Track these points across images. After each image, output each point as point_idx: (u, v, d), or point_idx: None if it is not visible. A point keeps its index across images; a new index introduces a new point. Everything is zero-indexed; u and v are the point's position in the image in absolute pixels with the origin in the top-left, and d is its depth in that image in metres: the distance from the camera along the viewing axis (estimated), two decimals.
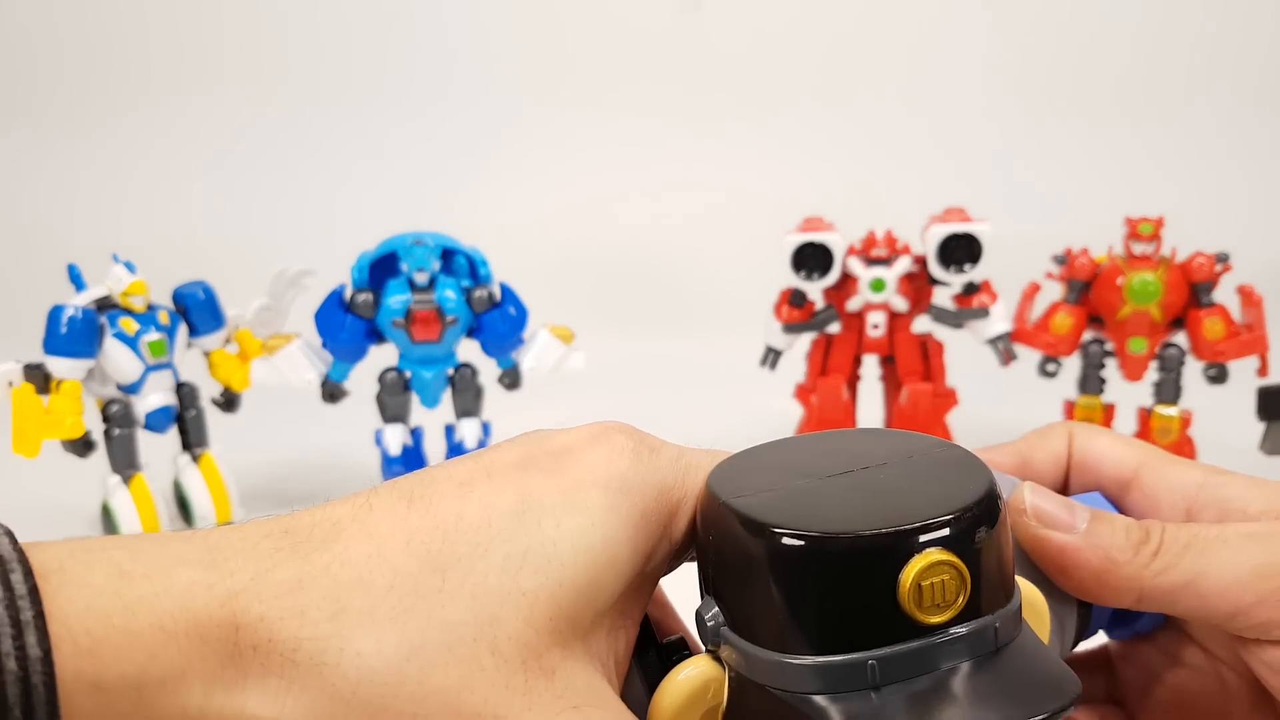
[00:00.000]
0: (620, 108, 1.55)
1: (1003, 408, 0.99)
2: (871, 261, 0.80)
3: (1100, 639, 0.33)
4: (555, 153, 1.55)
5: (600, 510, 0.23)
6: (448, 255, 0.77)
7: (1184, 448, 0.79)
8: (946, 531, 0.21)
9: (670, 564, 0.26)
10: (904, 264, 0.79)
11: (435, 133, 1.57)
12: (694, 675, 0.23)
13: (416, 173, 1.56)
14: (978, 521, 0.21)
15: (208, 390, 0.78)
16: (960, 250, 0.78)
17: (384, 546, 0.23)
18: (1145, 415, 0.80)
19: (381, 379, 0.78)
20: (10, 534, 0.21)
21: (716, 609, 0.23)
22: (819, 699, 0.21)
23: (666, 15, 1.54)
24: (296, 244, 1.37)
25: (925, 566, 0.21)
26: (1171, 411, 0.79)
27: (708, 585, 0.24)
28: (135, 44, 1.60)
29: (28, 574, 0.20)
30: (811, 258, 0.79)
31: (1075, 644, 0.29)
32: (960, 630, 0.21)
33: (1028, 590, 0.25)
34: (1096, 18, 1.51)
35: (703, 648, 0.25)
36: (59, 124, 1.61)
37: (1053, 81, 1.52)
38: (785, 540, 0.21)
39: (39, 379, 0.68)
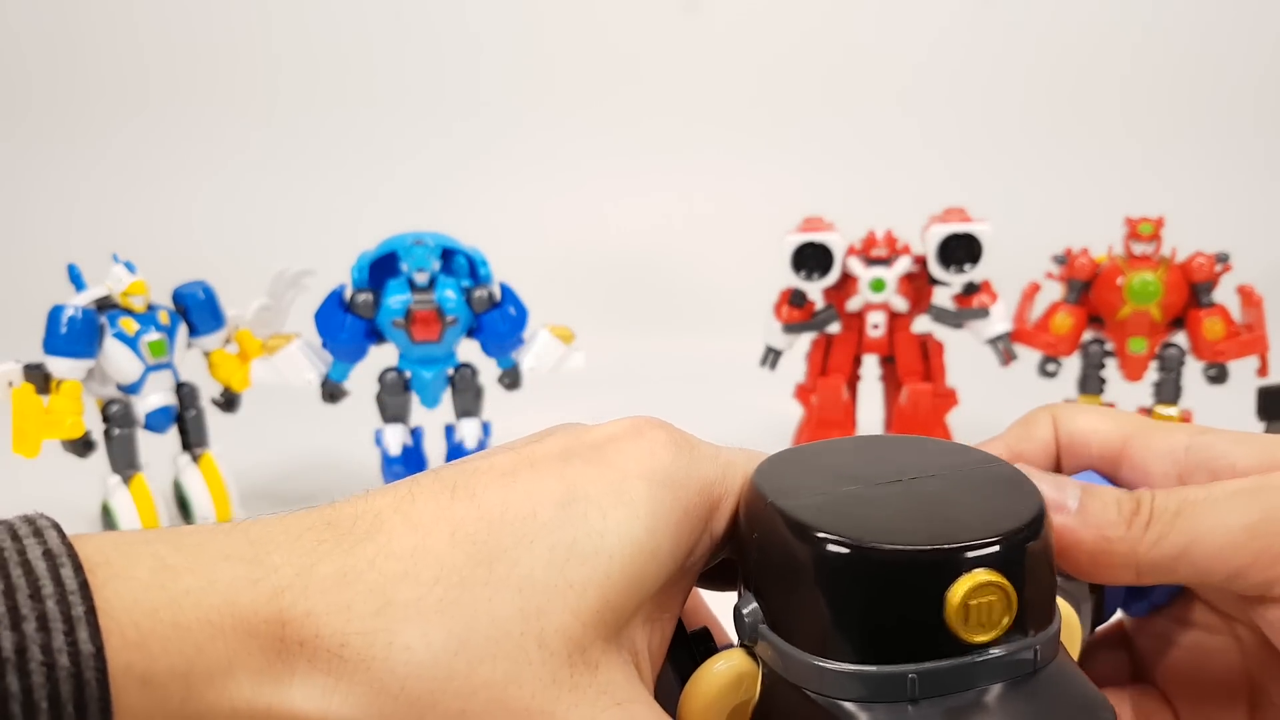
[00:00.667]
0: (620, 108, 1.55)
1: (1002, 408, 0.98)
2: (871, 261, 0.80)
3: (1116, 616, 0.33)
4: (555, 153, 1.55)
5: (645, 502, 0.23)
6: (448, 255, 0.77)
7: None
8: (997, 551, 0.21)
9: (709, 561, 0.26)
10: (904, 264, 0.79)
11: (436, 133, 1.58)
12: (728, 669, 0.23)
13: (416, 173, 1.56)
14: (1027, 543, 0.21)
15: (208, 390, 0.78)
16: (960, 250, 0.78)
17: (428, 538, 0.22)
18: (1145, 415, 0.80)
19: (381, 379, 0.78)
20: (58, 527, 0.21)
21: (755, 605, 0.23)
22: (853, 706, 0.21)
23: (667, 17, 1.54)
24: (296, 244, 1.37)
25: (974, 586, 0.21)
26: (1171, 411, 0.79)
27: (748, 581, 0.24)
28: (137, 45, 1.60)
29: (77, 569, 0.20)
30: (811, 258, 0.79)
31: (1094, 628, 0.29)
32: (1001, 651, 0.21)
33: (1063, 608, 0.25)
34: (1098, 19, 1.51)
35: (733, 641, 0.25)
36: (60, 124, 1.61)
37: (1053, 82, 1.52)
38: (833, 548, 0.21)
39: (39, 379, 0.68)
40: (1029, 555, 0.21)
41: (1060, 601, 0.24)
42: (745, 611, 0.24)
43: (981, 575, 0.21)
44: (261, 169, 1.58)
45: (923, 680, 0.21)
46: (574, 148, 1.55)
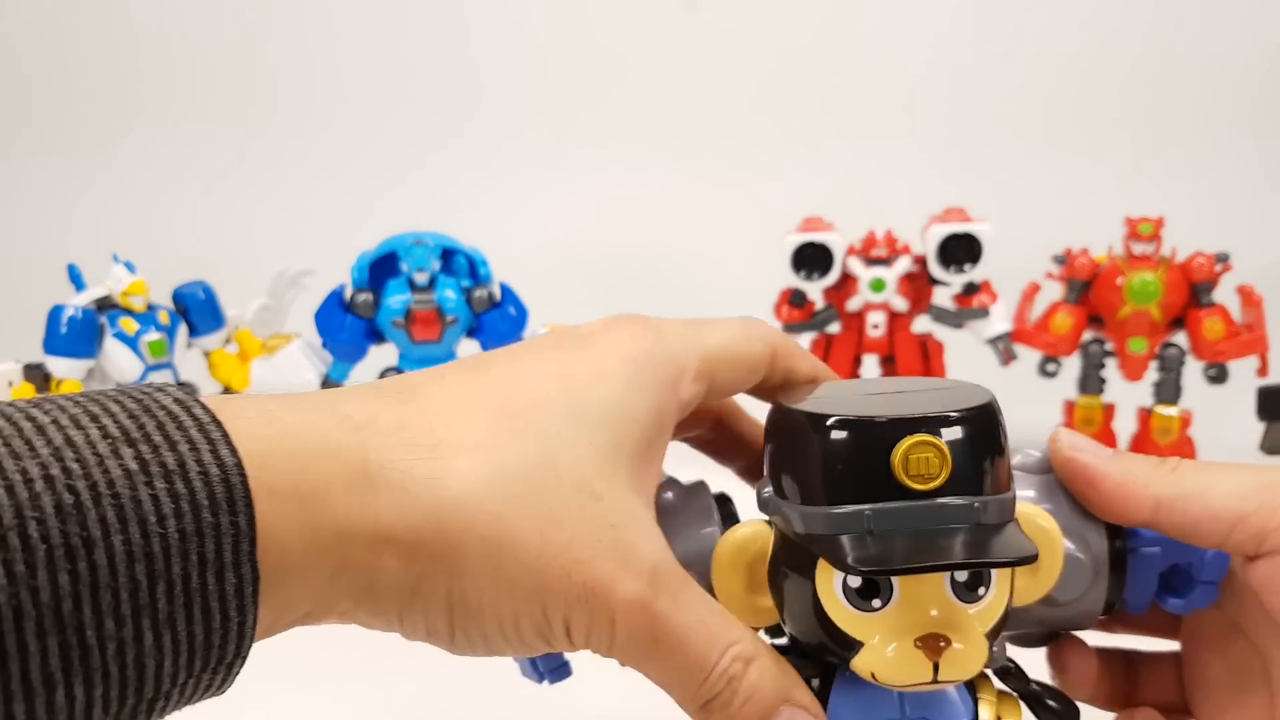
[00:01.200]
0: (621, 109, 1.55)
1: (1003, 407, 0.99)
2: (871, 261, 0.80)
3: (1168, 646, 0.36)
4: (556, 153, 1.55)
5: (622, 379, 0.30)
6: (448, 255, 0.78)
7: (1184, 447, 0.79)
8: (934, 421, 0.28)
9: (679, 416, 0.32)
10: (904, 264, 0.79)
11: (436, 134, 1.58)
12: (747, 529, 0.31)
13: (417, 173, 1.56)
14: (962, 421, 0.28)
15: (208, 390, 0.78)
16: (960, 250, 0.78)
17: (460, 400, 0.29)
18: (1145, 415, 0.80)
19: (381, 379, 0.78)
20: (172, 387, 0.26)
21: (769, 486, 0.30)
22: (824, 538, 0.28)
23: (667, 17, 1.54)
24: (297, 244, 1.37)
25: (913, 444, 0.27)
26: (1171, 411, 0.79)
27: (768, 470, 0.31)
28: (138, 46, 1.60)
29: (205, 409, 0.24)
30: (811, 258, 0.80)
31: (1111, 606, 0.33)
32: (942, 500, 0.27)
33: (1042, 520, 0.31)
34: (1098, 20, 1.51)
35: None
36: (61, 126, 1.61)
37: (1053, 82, 1.52)
38: (810, 419, 0.29)
39: (39, 379, 0.69)
40: (964, 429, 0.28)
41: (1041, 513, 0.31)
42: (762, 491, 0.31)
43: (920, 438, 0.27)
44: (262, 169, 1.58)
45: (877, 516, 0.27)
46: (574, 148, 1.55)
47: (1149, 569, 0.33)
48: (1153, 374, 0.79)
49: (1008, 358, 0.81)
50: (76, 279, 0.72)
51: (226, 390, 0.79)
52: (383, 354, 0.79)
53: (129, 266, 0.71)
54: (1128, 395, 0.81)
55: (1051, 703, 0.32)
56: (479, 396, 0.29)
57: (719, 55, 1.54)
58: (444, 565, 0.27)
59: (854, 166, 1.50)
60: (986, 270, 0.79)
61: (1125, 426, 0.82)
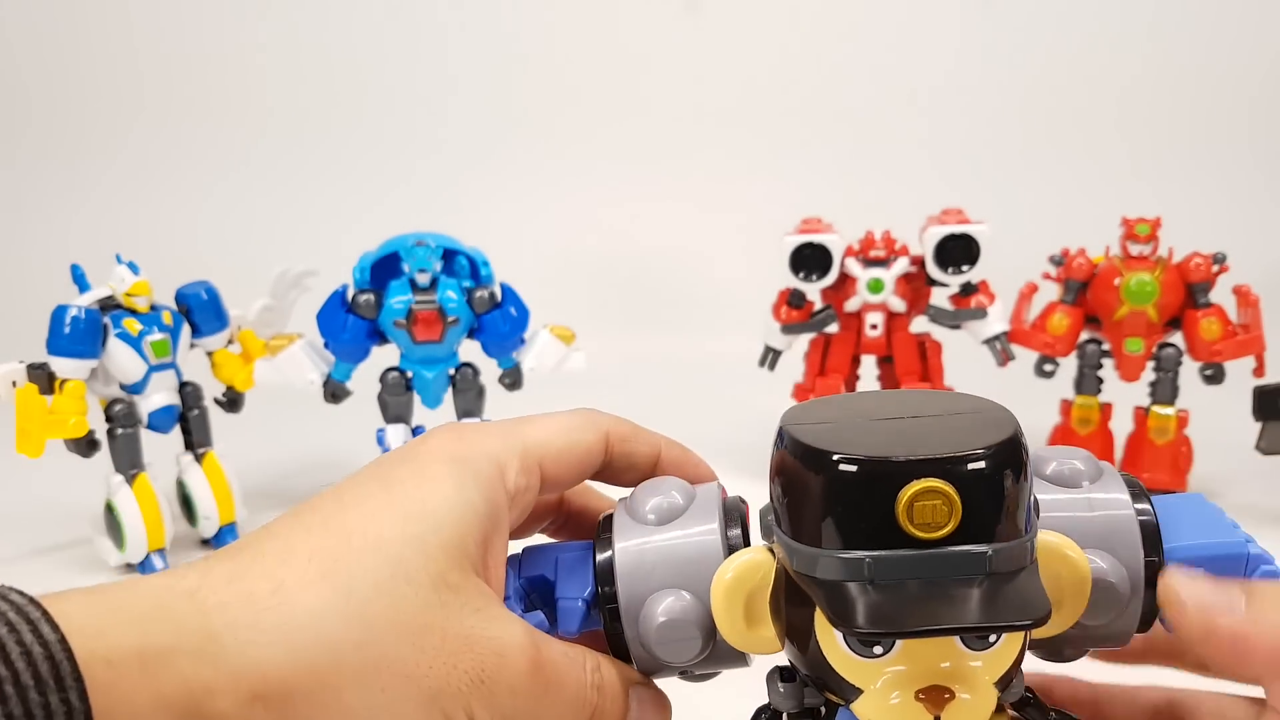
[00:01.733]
0: (621, 110, 1.55)
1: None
2: (869, 262, 0.80)
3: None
4: (557, 154, 1.55)
5: (449, 478, 0.30)
6: (449, 256, 0.78)
7: (1181, 447, 0.80)
8: (944, 464, 0.25)
9: (514, 510, 0.32)
10: (902, 265, 0.80)
11: (438, 134, 1.58)
12: (749, 557, 0.29)
13: (418, 174, 1.57)
14: (977, 461, 0.25)
15: (211, 390, 0.79)
16: (958, 251, 0.78)
17: (292, 538, 0.29)
18: (1142, 415, 0.80)
19: (383, 379, 0.78)
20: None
21: (773, 512, 0.29)
22: (824, 583, 0.26)
23: (667, 19, 1.54)
24: (299, 244, 1.37)
25: (920, 490, 0.25)
26: (1168, 411, 0.79)
27: (771, 496, 0.29)
28: (140, 47, 1.60)
29: (21, 594, 0.24)
30: (810, 258, 0.80)
31: (1147, 623, 0.31)
32: (950, 550, 0.25)
33: (1070, 552, 0.28)
34: (1095, 23, 1.51)
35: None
36: (65, 127, 1.61)
37: (1052, 83, 1.52)
38: (808, 450, 0.26)
39: (43, 379, 0.69)
40: (977, 472, 0.25)
41: (1070, 548, 0.28)
42: (766, 516, 0.30)
43: (927, 483, 0.25)
44: (265, 170, 1.59)
45: (878, 564, 0.25)
46: (575, 149, 1.55)
47: None
48: (1149, 374, 0.80)
49: (1005, 358, 0.81)
50: (80, 279, 0.72)
51: (230, 389, 0.80)
52: (385, 354, 0.79)
53: (132, 267, 0.72)
54: (1125, 395, 0.81)
55: None
56: (310, 528, 0.29)
57: (719, 56, 1.55)
58: (324, 706, 0.26)
59: (853, 167, 1.50)
60: (984, 270, 0.79)
61: (1122, 426, 0.82)
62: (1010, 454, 0.26)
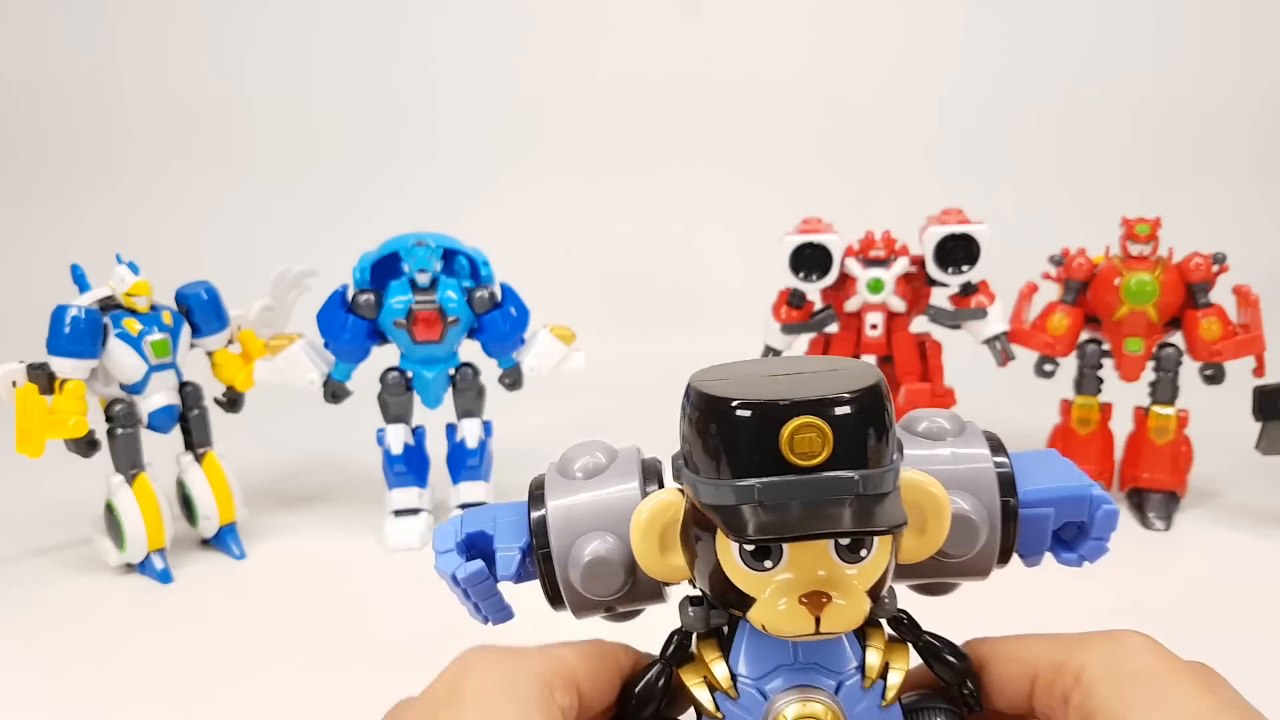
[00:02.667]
0: (621, 110, 1.55)
1: (1001, 407, 0.99)
2: (869, 262, 0.80)
3: None
4: (556, 154, 1.55)
5: (507, 712, 0.32)
6: (449, 256, 0.78)
7: (1181, 447, 0.80)
8: (817, 404, 0.30)
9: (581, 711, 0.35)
10: (902, 265, 0.80)
11: (439, 135, 1.58)
12: (662, 496, 0.34)
13: (419, 173, 1.57)
14: (844, 403, 0.31)
15: (211, 390, 0.79)
16: (958, 251, 0.78)
17: None
18: (1142, 415, 0.80)
19: (383, 379, 0.78)
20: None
21: (682, 457, 0.33)
22: (722, 509, 0.31)
23: (667, 20, 1.54)
24: (299, 244, 1.37)
25: (798, 425, 0.30)
26: (1168, 411, 0.79)
27: (680, 442, 0.34)
28: (144, 48, 1.60)
29: None
30: (810, 258, 0.80)
31: (1005, 555, 0.37)
32: (824, 475, 0.30)
33: (932, 488, 0.33)
34: (1097, 22, 1.51)
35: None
36: (66, 125, 1.62)
37: (1050, 84, 1.52)
38: (710, 399, 0.32)
39: (43, 379, 0.69)
40: (844, 411, 0.30)
41: (939, 492, 0.33)
42: (675, 460, 0.34)
43: (804, 419, 0.30)
44: (265, 170, 1.59)
45: (765, 489, 0.30)
46: (576, 150, 1.55)
47: (1041, 527, 0.37)
48: (1149, 374, 0.80)
49: (1005, 358, 0.81)
50: (80, 279, 0.72)
51: (230, 389, 0.80)
52: (385, 354, 0.80)
53: (132, 267, 0.72)
54: (1124, 395, 0.81)
55: (942, 652, 0.36)
56: None
57: (719, 58, 1.55)
58: None
59: (853, 168, 1.50)
60: (984, 270, 0.79)
61: (1122, 426, 0.82)
62: (873, 398, 0.31)
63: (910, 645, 0.36)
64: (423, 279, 0.74)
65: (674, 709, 0.37)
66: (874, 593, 0.33)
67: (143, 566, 0.73)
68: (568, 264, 1.46)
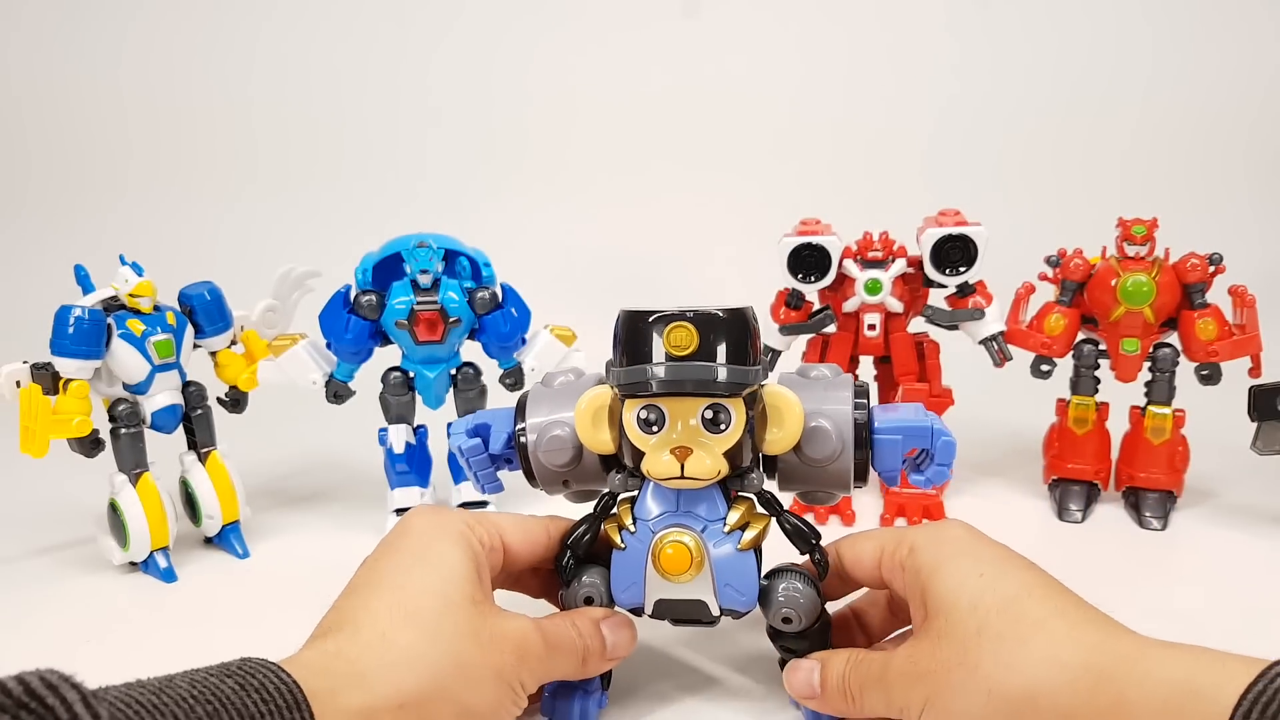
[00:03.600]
0: (621, 111, 1.55)
1: (998, 408, 0.99)
2: (867, 263, 0.80)
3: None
4: (557, 155, 1.56)
5: (440, 540, 0.48)
6: (451, 257, 0.78)
7: (1177, 447, 0.80)
8: (689, 314, 0.45)
9: (488, 559, 0.50)
10: (899, 266, 0.80)
11: (440, 135, 1.58)
12: (598, 389, 0.49)
13: (420, 174, 1.57)
14: (709, 316, 0.45)
15: (214, 390, 0.79)
16: (955, 252, 0.78)
17: (368, 604, 0.45)
18: (1138, 415, 0.81)
19: (385, 379, 0.79)
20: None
21: (614, 365, 0.48)
22: (627, 387, 0.46)
23: (666, 21, 1.55)
24: (302, 245, 1.38)
25: (673, 326, 0.45)
26: (1165, 411, 0.79)
27: (612, 350, 0.48)
28: (148, 51, 1.61)
29: (266, 661, 0.40)
30: (809, 260, 0.80)
31: (862, 476, 0.51)
32: (693, 363, 0.44)
33: (787, 395, 0.48)
34: (1093, 24, 1.52)
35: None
36: (68, 126, 1.62)
37: (1049, 84, 1.53)
38: (623, 313, 0.47)
39: (47, 379, 0.69)
40: (707, 320, 0.45)
41: (791, 396, 0.48)
42: (607, 364, 0.49)
43: (679, 323, 0.45)
44: (267, 171, 1.59)
45: (653, 369, 0.45)
46: (576, 150, 1.56)
47: (893, 450, 0.50)
48: (1146, 374, 0.80)
49: (1002, 358, 0.82)
50: (84, 280, 0.73)
51: (233, 389, 0.80)
52: (387, 354, 0.80)
53: (136, 267, 0.72)
54: (1121, 396, 0.82)
55: (796, 525, 0.49)
56: (377, 593, 0.45)
57: (718, 59, 1.55)
58: (445, 702, 0.42)
59: (851, 168, 1.51)
60: (981, 271, 0.79)
61: (1119, 426, 0.83)
62: (733, 317, 0.45)
63: (773, 518, 0.49)
64: (424, 280, 0.75)
65: (602, 555, 0.50)
66: (731, 457, 0.46)
67: (146, 565, 0.74)
68: (569, 264, 1.46)
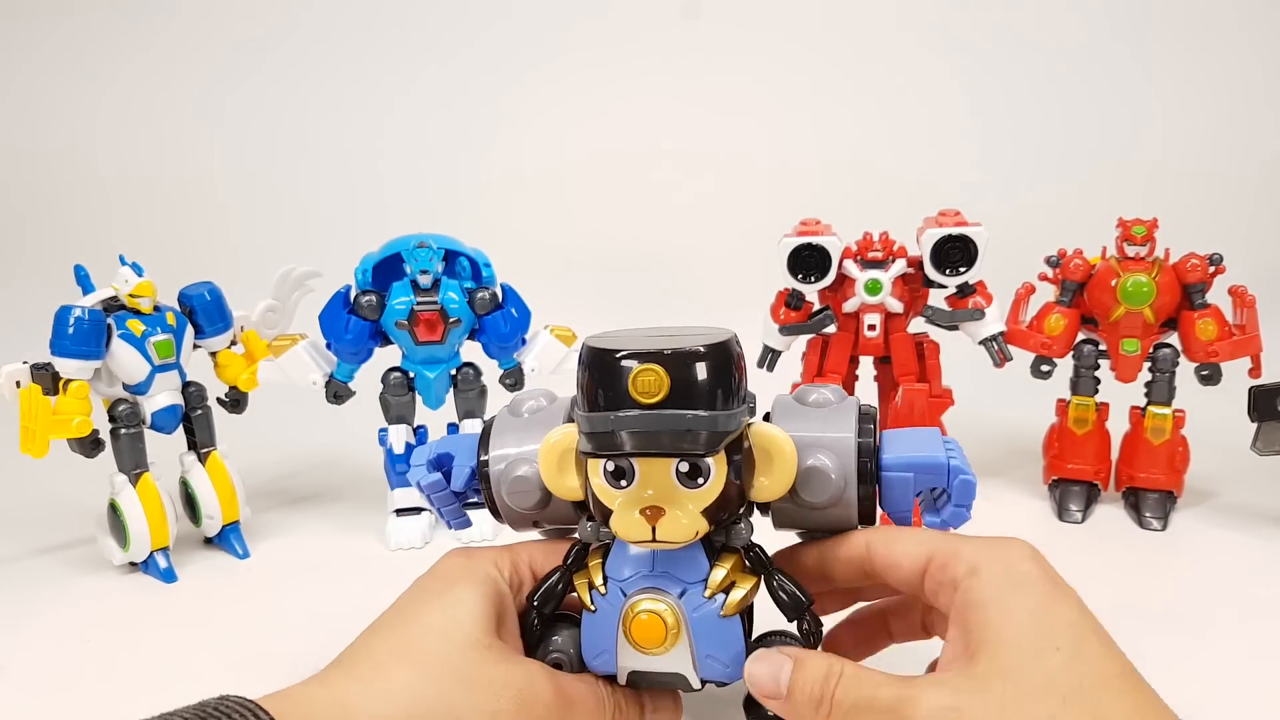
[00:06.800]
0: (621, 111, 1.55)
1: (998, 408, 1.00)
2: (867, 264, 0.80)
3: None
4: (557, 154, 1.56)
5: (461, 581, 0.44)
6: (451, 257, 0.78)
7: (1177, 447, 0.80)
8: (656, 355, 0.37)
9: (516, 595, 0.46)
10: (899, 266, 0.80)
11: (440, 134, 1.58)
12: (564, 430, 0.43)
13: (420, 173, 1.57)
14: (682, 355, 0.37)
15: (214, 390, 0.79)
16: (955, 252, 0.78)
17: (370, 644, 0.43)
18: (1138, 415, 0.81)
19: (385, 379, 0.79)
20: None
21: (578, 409, 0.39)
22: (587, 436, 0.38)
23: (666, 20, 1.55)
24: (302, 245, 1.38)
25: (641, 370, 0.37)
26: (1165, 411, 0.79)
27: (577, 390, 0.40)
28: (149, 39, 1.61)
29: (244, 700, 0.39)
30: (809, 260, 0.80)
31: (867, 517, 0.44)
32: (662, 411, 0.37)
33: (778, 436, 0.41)
34: (1095, 21, 1.52)
35: None
36: (68, 124, 1.62)
37: (1049, 83, 1.53)
38: (584, 350, 0.39)
39: (47, 379, 0.69)
40: (681, 361, 0.37)
41: (782, 438, 0.41)
42: (572, 403, 0.43)
43: (646, 366, 0.37)
44: (267, 171, 1.59)
45: (616, 420, 0.37)
46: (576, 150, 1.56)
47: (903, 489, 0.43)
48: (1146, 374, 0.80)
49: (1002, 359, 0.82)
50: (84, 280, 0.73)
51: (233, 389, 0.80)
52: (387, 354, 0.80)
53: (136, 268, 0.72)
54: (1121, 396, 0.82)
55: (785, 584, 0.42)
56: (381, 633, 0.43)
57: (718, 58, 1.55)
58: None
59: (851, 168, 1.51)
60: (981, 271, 0.79)
61: (1119, 426, 0.83)
62: (711, 354, 0.37)
63: (761, 577, 0.42)
64: (424, 280, 0.75)
65: (577, 611, 0.45)
66: (710, 514, 0.39)
67: (146, 566, 0.74)
68: (569, 265, 1.46)
